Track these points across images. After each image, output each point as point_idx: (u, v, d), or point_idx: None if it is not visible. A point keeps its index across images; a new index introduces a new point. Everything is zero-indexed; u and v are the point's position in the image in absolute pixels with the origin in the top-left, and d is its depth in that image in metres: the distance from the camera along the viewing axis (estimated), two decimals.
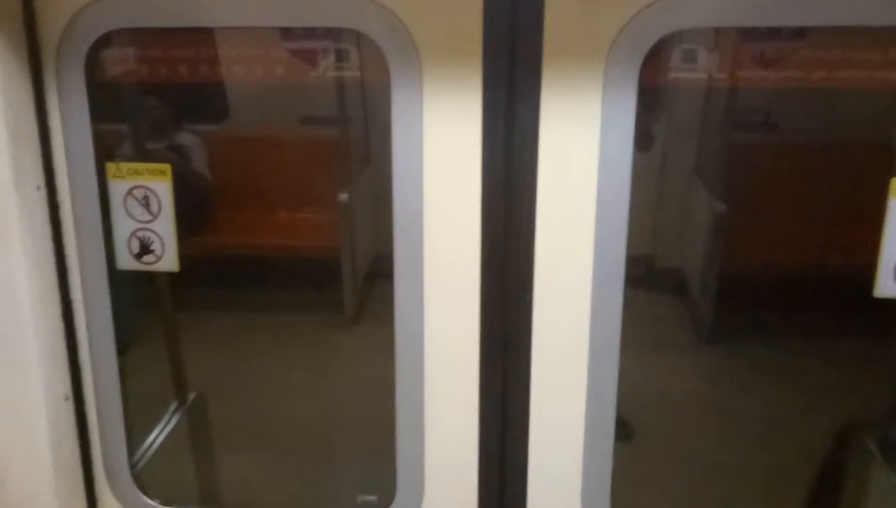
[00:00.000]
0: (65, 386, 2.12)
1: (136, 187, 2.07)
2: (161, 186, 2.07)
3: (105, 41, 1.93)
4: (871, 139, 2.70)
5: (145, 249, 2.10)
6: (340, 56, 2.06)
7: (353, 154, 3.75)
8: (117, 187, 2.06)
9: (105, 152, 2.07)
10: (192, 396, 2.73)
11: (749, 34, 1.93)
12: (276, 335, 3.37)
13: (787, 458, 2.72)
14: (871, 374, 2.65)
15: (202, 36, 2.02)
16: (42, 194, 1.98)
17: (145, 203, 2.07)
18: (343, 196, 3.61)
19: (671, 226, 3.37)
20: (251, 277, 3.54)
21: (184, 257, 2.13)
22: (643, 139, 2.13)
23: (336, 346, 3.36)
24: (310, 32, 2.02)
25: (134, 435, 2.28)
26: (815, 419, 2.74)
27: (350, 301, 3.60)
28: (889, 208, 1.87)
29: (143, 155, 2.74)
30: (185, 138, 3.48)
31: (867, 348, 2.69)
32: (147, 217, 2.09)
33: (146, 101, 2.99)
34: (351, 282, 3.62)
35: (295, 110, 3.54)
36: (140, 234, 2.10)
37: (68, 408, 2.13)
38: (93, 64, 1.94)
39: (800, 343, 2.94)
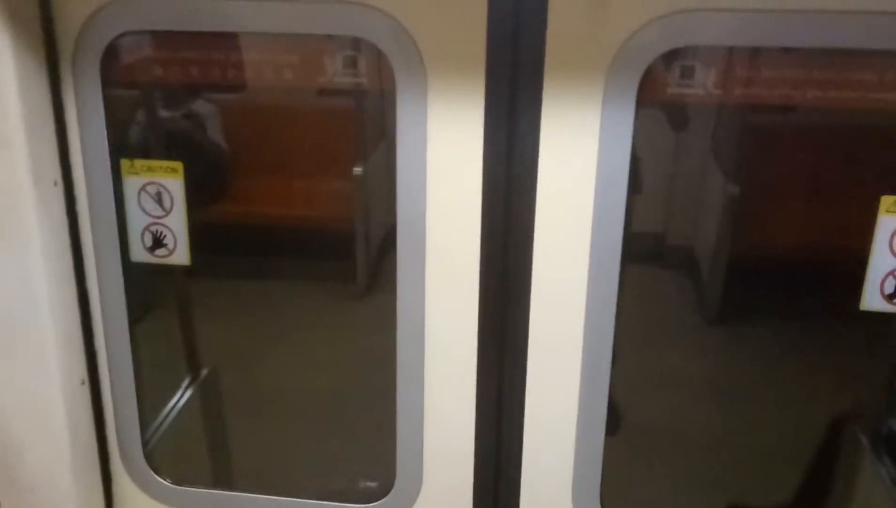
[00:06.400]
0: (81, 371, 2.20)
1: (149, 183, 2.12)
2: (173, 183, 2.12)
3: (121, 41, 1.97)
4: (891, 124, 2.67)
5: (158, 242, 2.16)
6: (349, 62, 2.08)
7: (367, 128, 3.74)
8: (131, 183, 2.12)
9: (119, 129, 2.10)
10: (204, 371, 2.81)
11: (751, 53, 1.93)
12: (289, 307, 3.41)
13: (783, 445, 2.76)
14: (871, 365, 2.67)
15: (217, 39, 2.04)
16: (59, 190, 2.04)
17: (158, 199, 2.13)
18: (358, 169, 3.62)
19: (685, 206, 3.36)
20: (265, 247, 3.57)
21: (198, 226, 2.18)
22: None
23: (348, 317, 3.41)
24: (322, 39, 2.04)
25: (147, 413, 2.37)
26: (813, 407, 2.77)
27: (362, 273, 3.63)
28: (878, 224, 1.89)
29: (157, 123, 2.75)
30: (201, 107, 3.50)
31: (871, 338, 2.71)
32: (160, 212, 2.15)
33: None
34: (364, 254, 3.66)
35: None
36: (153, 228, 2.16)
37: (84, 392, 2.22)
38: (108, 63, 1.97)
39: (805, 329, 2.96)
